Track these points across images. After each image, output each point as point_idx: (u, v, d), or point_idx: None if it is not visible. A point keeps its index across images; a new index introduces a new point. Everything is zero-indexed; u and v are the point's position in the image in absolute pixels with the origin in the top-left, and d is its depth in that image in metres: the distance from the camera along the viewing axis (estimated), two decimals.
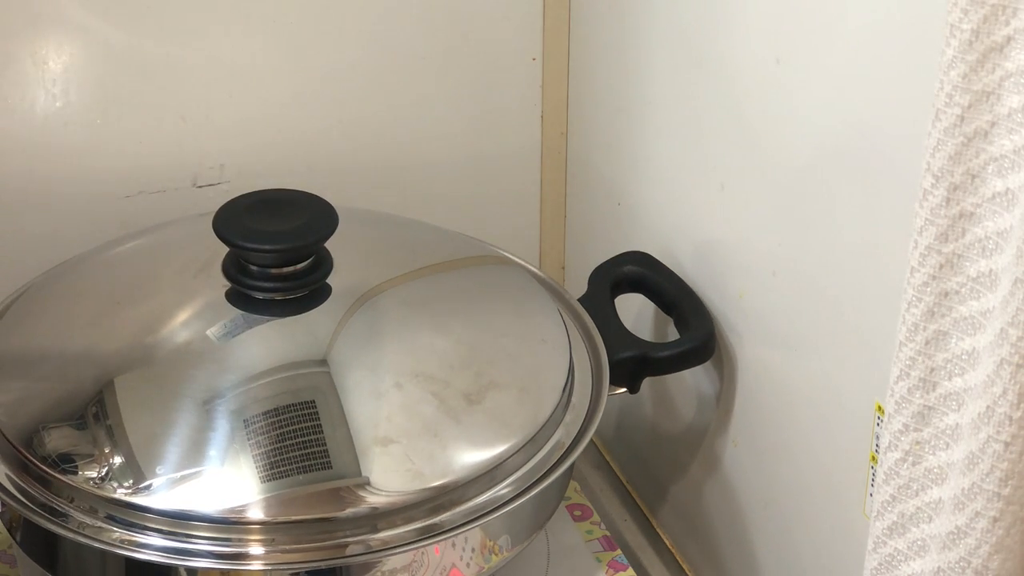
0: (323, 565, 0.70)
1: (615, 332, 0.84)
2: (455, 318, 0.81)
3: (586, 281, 0.89)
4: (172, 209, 0.94)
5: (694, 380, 0.90)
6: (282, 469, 0.70)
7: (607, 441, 1.05)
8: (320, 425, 0.72)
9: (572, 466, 0.77)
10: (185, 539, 0.69)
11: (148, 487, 0.69)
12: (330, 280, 0.79)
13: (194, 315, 0.78)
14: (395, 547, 0.70)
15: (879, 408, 0.70)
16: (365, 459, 0.71)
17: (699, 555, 0.93)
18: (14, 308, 0.82)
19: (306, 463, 0.71)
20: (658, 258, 0.89)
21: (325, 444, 0.71)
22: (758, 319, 0.82)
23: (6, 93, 0.89)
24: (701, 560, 0.93)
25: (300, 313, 0.78)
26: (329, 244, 0.79)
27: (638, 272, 0.88)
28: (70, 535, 0.70)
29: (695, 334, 0.84)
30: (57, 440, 0.72)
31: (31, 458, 0.72)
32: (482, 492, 0.72)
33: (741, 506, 0.87)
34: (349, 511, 0.70)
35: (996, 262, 0.52)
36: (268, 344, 0.77)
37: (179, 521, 0.69)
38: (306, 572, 0.70)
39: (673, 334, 0.87)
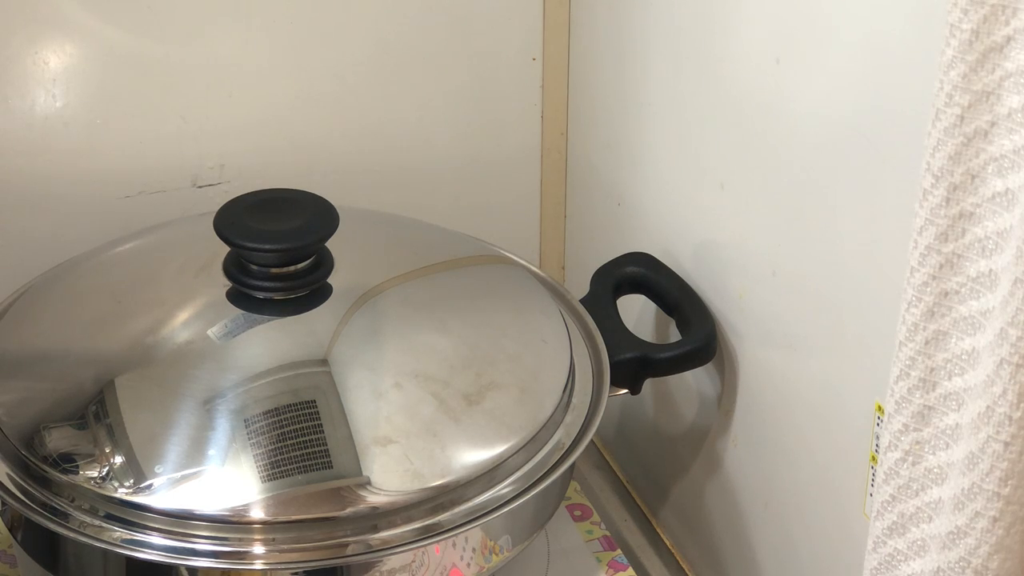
0: (323, 565, 0.70)
1: (616, 333, 0.84)
2: (455, 318, 0.81)
3: (586, 281, 0.89)
4: (172, 209, 0.94)
5: (695, 380, 0.90)
6: (282, 469, 0.70)
7: (607, 441, 1.05)
8: (320, 425, 0.72)
9: (572, 466, 0.77)
10: (186, 538, 0.69)
11: (149, 486, 0.69)
12: (331, 280, 0.79)
13: (195, 315, 0.78)
14: (395, 547, 0.70)
15: (879, 408, 0.70)
16: (365, 459, 0.71)
17: (699, 555, 0.93)
18: (14, 308, 0.82)
19: (306, 463, 0.71)
20: (658, 258, 0.89)
21: (325, 444, 0.71)
22: (758, 319, 0.82)
23: (6, 93, 0.89)
24: (701, 560, 0.93)
25: (301, 313, 0.78)
26: (330, 244, 0.79)
27: (640, 273, 0.88)
28: (71, 535, 0.70)
29: (696, 335, 0.84)
30: (58, 440, 0.72)
31: (32, 458, 0.72)
32: (482, 492, 0.72)
33: (741, 506, 0.87)
34: (349, 511, 0.70)
35: (996, 262, 0.52)
36: (269, 344, 0.77)
37: (180, 520, 0.69)
38: (306, 572, 0.70)
39: (675, 335, 0.87)
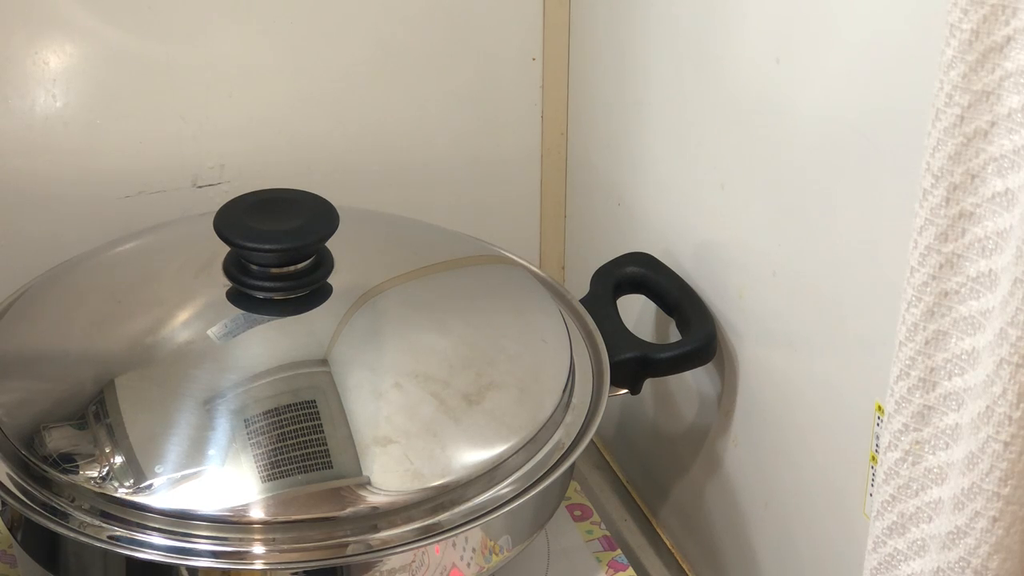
0: (323, 565, 0.70)
1: (616, 333, 0.84)
2: (455, 318, 0.81)
3: (586, 281, 0.89)
4: (172, 209, 0.94)
5: (695, 380, 0.90)
6: (282, 469, 0.70)
7: (607, 441, 1.05)
8: (320, 425, 0.72)
9: (572, 466, 0.77)
10: (186, 538, 0.69)
11: (149, 486, 0.69)
12: (331, 280, 0.79)
13: (195, 315, 0.78)
14: (395, 547, 0.70)
15: (879, 408, 0.70)
16: (365, 459, 0.71)
17: (699, 555, 0.93)
18: (14, 308, 0.82)
19: (306, 463, 0.71)
20: (658, 258, 0.89)
21: (325, 444, 0.71)
22: (758, 319, 0.82)
23: (6, 93, 0.89)
24: (701, 560, 0.93)
25: (301, 313, 0.78)
26: (330, 244, 0.79)
27: (640, 273, 0.88)
28: (71, 534, 0.70)
29: (696, 335, 0.84)
30: (58, 440, 0.72)
31: (32, 458, 0.72)
32: (482, 492, 0.72)
33: (741, 506, 0.87)
34: (349, 511, 0.70)
35: (996, 262, 0.52)
36: (269, 344, 0.77)
37: (180, 520, 0.69)
38: (306, 572, 0.70)
39: (675, 335, 0.87)
